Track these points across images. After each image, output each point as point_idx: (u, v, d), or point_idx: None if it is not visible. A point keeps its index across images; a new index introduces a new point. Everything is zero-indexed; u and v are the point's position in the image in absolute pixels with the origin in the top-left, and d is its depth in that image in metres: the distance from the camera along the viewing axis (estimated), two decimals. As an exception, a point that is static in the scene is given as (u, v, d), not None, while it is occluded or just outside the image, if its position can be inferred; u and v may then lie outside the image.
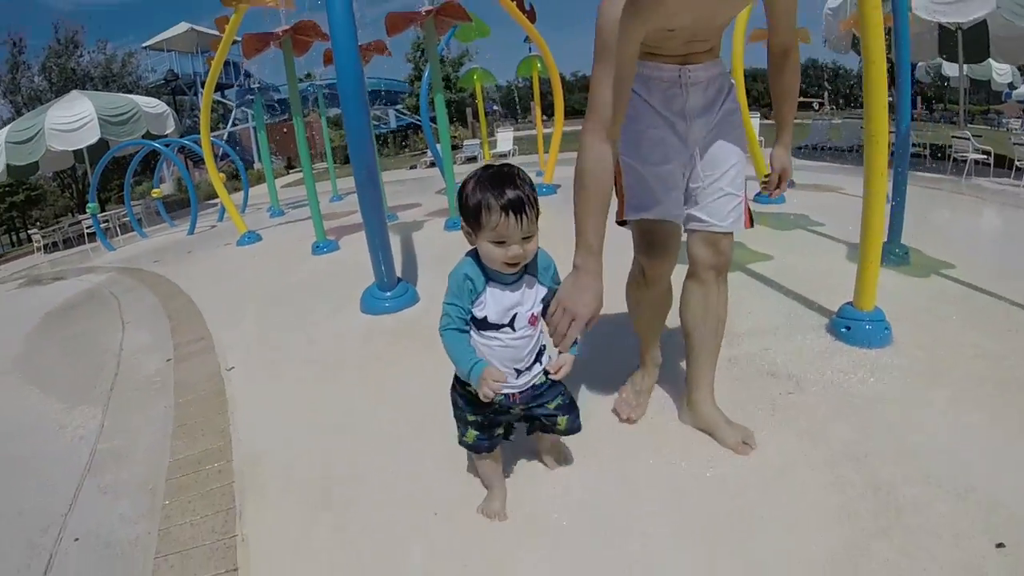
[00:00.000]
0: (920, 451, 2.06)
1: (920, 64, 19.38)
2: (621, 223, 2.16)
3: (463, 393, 1.85)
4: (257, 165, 21.93)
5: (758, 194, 6.68)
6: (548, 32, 9.23)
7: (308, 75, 23.96)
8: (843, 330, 2.88)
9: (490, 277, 1.68)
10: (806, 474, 1.99)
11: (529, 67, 11.82)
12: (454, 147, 20.45)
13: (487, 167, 1.63)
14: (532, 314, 1.73)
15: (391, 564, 1.82)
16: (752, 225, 2.17)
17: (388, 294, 4.04)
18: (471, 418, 1.86)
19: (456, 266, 1.70)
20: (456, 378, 1.84)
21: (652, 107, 1.96)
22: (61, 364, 4.63)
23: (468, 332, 1.73)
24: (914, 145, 10.79)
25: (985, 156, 9.23)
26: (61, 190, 24.80)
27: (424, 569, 1.79)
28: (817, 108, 33.65)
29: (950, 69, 17.92)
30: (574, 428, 1.94)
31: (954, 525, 1.72)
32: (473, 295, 1.68)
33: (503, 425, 1.93)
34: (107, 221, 12.94)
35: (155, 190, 13.98)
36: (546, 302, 1.74)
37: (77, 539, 2.22)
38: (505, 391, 1.76)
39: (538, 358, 1.80)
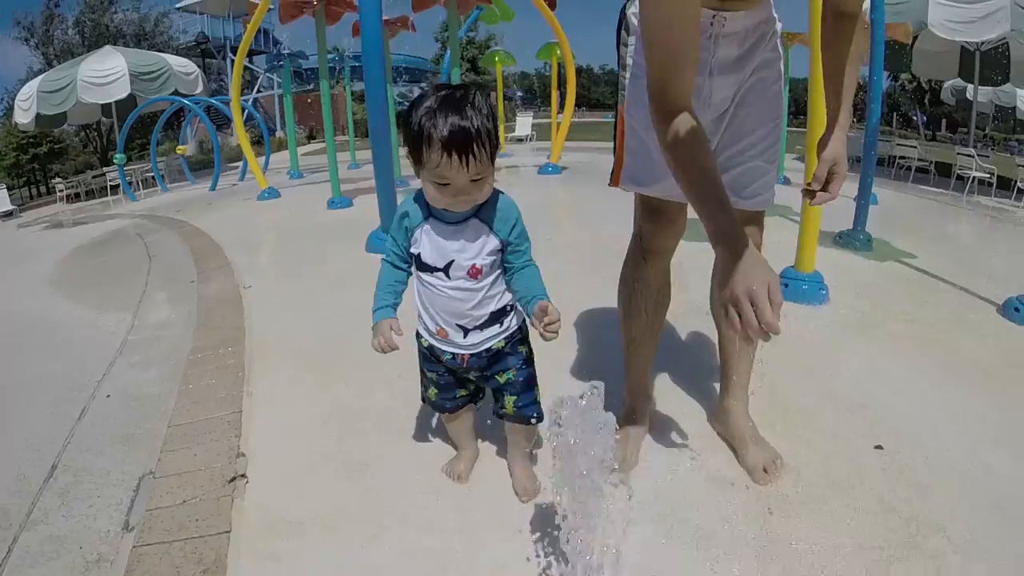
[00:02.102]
0: (823, 376, 2.41)
1: (946, 85, 19.47)
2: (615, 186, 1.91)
3: (419, 345, 1.69)
4: (279, 133, 22.31)
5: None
6: (575, 25, 9.46)
7: (336, 48, 24.30)
8: (782, 287, 3.22)
9: (432, 213, 1.50)
10: (710, 379, 2.28)
11: (549, 52, 12.03)
12: (477, 129, 20.72)
13: (440, 86, 1.40)
14: (474, 265, 1.49)
15: (357, 408, 2.27)
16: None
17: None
18: (428, 373, 1.71)
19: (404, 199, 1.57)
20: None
21: None
22: (91, 284, 5.14)
23: (405, 269, 1.60)
24: (921, 161, 11.07)
25: (989, 176, 9.47)
26: (83, 145, 25.38)
27: (384, 408, 2.22)
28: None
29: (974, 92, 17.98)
30: (526, 416, 1.66)
31: (836, 426, 2.03)
32: (409, 233, 1.54)
33: (467, 388, 1.73)
34: (130, 176, 13.33)
35: (180, 147, 14.43)
36: (495, 256, 1.51)
37: (109, 395, 2.69)
38: (451, 350, 1.60)
39: (497, 319, 1.57)
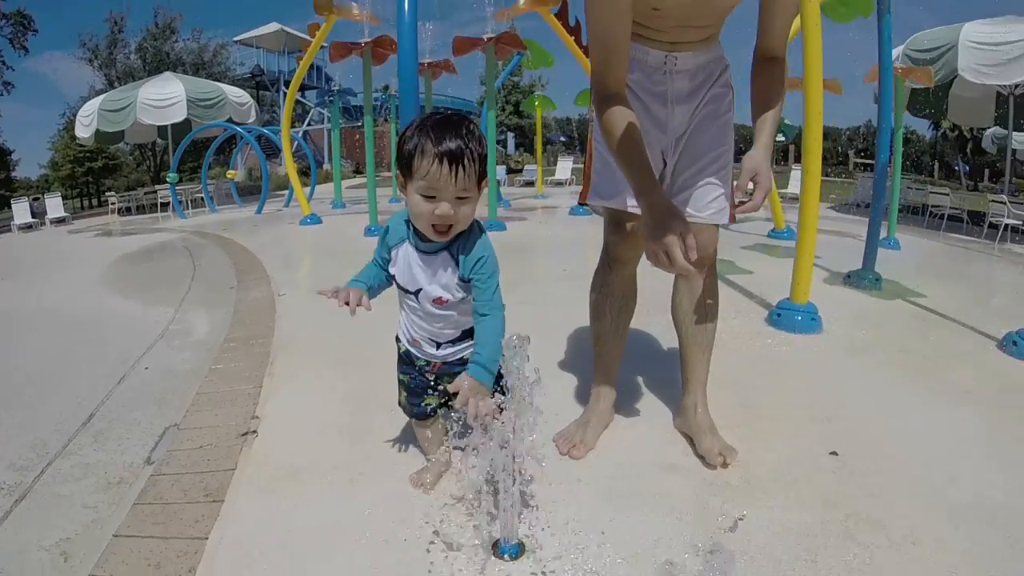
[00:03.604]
0: (797, 392, 2.50)
1: (987, 133, 19.12)
2: (583, 204, 2.16)
3: (397, 349, 1.82)
4: (326, 166, 23.03)
5: (772, 230, 7.06)
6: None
7: (386, 87, 25.07)
8: (775, 316, 3.37)
9: (410, 238, 1.58)
10: (676, 384, 2.27)
11: (587, 98, 12.35)
12: (517, 171, 21.32)
13: (436, 111, 1.50)
14: (440, 297, 1.58)
15: (368, 397, 2.42)
16: (735, 220, 2.10)
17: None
18: (402, 376, 1.81)
19: None
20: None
21: (630, 88, 1.82)
22: (138, 284, 5.62)
23: (386, 275, 1.68)
24: (953, 209, 10.97)
25: (1022, 223, 9.13)
26: (137, 164, 26.61)
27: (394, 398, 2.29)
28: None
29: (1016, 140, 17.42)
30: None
31: (798, 433, 2.14)
32: (388, 249, 1.63)
33: (434, 398, 1.78)
34: (180, 195, 13.89)
35: (231, 171, 15.11)
36: (460, 290, 1.57)
37: (147, 368, 3.06)
38: (425, 357, 1.71)
39: (469, 336, 1.67)
